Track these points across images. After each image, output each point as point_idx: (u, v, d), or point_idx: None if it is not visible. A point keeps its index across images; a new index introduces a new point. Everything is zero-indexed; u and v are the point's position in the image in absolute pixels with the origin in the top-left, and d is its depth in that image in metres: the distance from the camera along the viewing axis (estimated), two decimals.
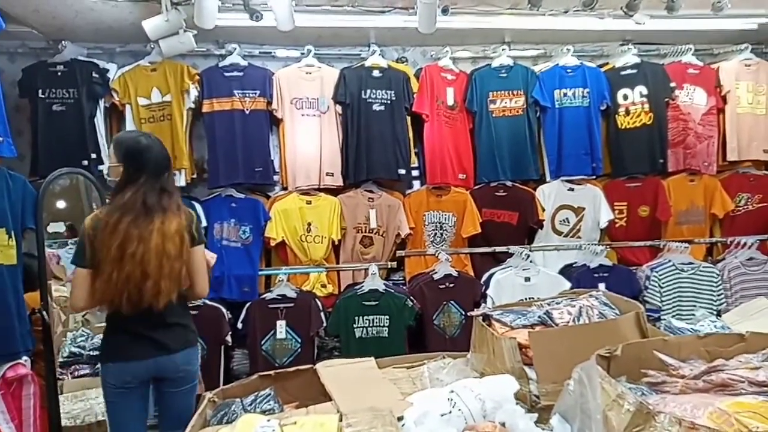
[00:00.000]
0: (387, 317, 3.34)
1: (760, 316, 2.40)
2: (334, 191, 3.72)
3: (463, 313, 3.43)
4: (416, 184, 3.91)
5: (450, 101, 3.76)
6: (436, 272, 3.49)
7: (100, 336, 3.06)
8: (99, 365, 2.16)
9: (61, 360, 3.10)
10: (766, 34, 4.03)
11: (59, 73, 3.44)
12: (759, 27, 3.78)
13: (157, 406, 2.20)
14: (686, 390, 1.27)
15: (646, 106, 3.83)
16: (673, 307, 3.51)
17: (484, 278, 3.58)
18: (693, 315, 2.85)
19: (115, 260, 1.96)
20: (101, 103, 3.53)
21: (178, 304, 2.10)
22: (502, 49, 3.86)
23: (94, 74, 3.46)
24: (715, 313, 3.34)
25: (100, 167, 3.49)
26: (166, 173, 2.12)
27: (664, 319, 2.71)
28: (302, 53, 3.72)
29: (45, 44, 3.55)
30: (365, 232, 3.70)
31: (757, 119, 3.96)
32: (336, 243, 3.67)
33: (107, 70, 3.52)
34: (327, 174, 3.65)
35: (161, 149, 2.15)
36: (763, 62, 4.02)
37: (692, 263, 3.58)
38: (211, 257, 2.31)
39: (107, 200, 2.17)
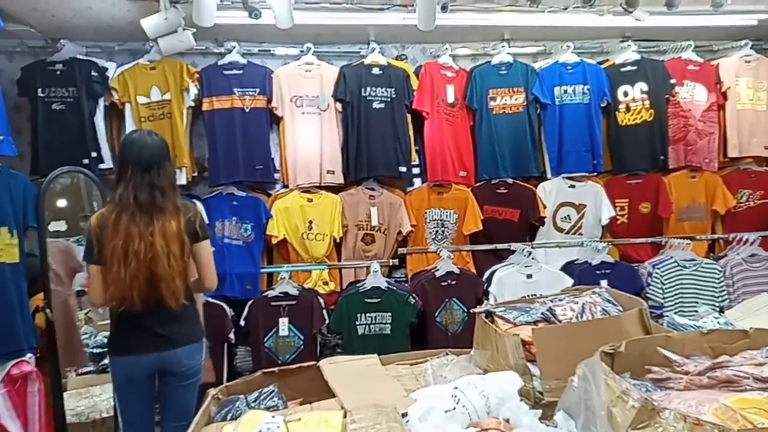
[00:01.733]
0: (389, 314, 3.35)
1: (763, 313, 2.40)
2: (335, 189, 3.71)
3: (466, 310, 3.43)
4: (417, 181, 3.90)
5: (450, 99, 3.75)
6: (437, 269, 3.49)
7: (104, 333, 3.14)
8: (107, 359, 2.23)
9: None
10: (766, 30, 4.03)
11: (58, 72, 3.43)
12: (759, 23, 3.78)
13: (160, 398, 2.23)
14: (690, 386, 1.27)
15: (647, 102, 3.82)
16: (676, 303, 3.51)
17: (486, 275, 3.58)
18: (695, 312, 2.84)
19: (120, 258, 1.98)
20: (101, 102, 3.52)
21: (186, 299, 2.14)
22: (502, 46, 3.85)
23: (93, 73, 3.45)
24: (717, 309, 3.33)
25: (101, 166, 3.48)
26: (157, 168, 2.07)
27: (667, 316, 2.70)
28: (301, 51, 3.72)
29: (43, 43, 3.54)
30: (367, 229, 3.70)
31: (757, 115, 3.95)
32: (337, 240, 3.66)
33: (106, 69, 3.52)
34: (328, 172, 3.65)
35: (153, 143, 2.11)
36: (763, 58, 4.02)
37: (694, 260, 3.58)
38: None
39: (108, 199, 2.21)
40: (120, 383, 2.15)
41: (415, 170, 3.85)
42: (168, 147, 2.21)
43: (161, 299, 2.04)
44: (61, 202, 3.80)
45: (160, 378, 2.18)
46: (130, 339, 2.10)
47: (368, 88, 3.63)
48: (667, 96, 3.87)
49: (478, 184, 3.80)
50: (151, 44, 3.45)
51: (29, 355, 2.35)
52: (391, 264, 3.71)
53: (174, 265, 2.04)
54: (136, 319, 2.07)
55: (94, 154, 3.46)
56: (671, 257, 3.58)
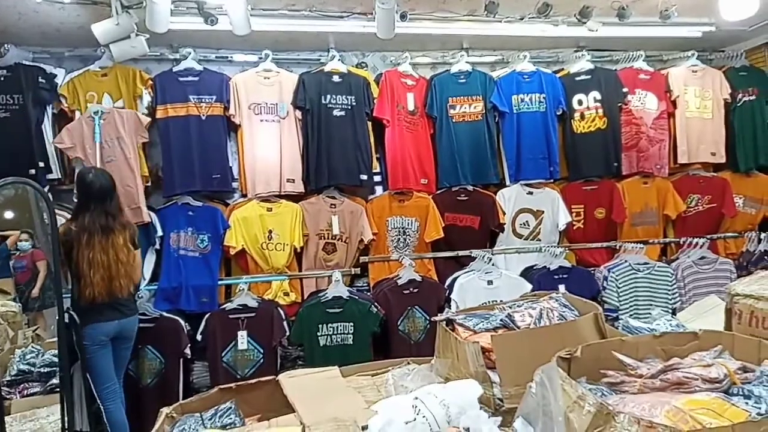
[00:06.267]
0: (351, 324, 3.31)
1: (712, 314, 2.48)
2: (295, 198, 3.67)
3: (428, 317, 3.43)
4: (378, 189, 3.91)
5: (410, 106, 3.77)
6: (400, 278, 3.48)
7: (52, 352, 3.02)
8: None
9: (8, 378, 2.97)
10: (710, 42, 4.22)
11: (2, 78, 3.30)
12: (703, 35, 3.95)
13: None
14: (644, 389, 1.29)
15: (600, 110, 3.93)
16: (630, 306, 3.60)
17: (447, 282, 3.60)
18: (649, 314, 2.92)
19: (95, 265, 2.76)
20: (49, 109, 3.40)
21: (132, 289, 2.97)
22: (461, 55, 3.90)
23: (40, 79, 3.33)
24: (670, 311, 3.45)
25: (49, 176, 3.35)
26: (109, 199, 2.85)
27: (622, 319, 2.75)
28: (260, 58, 3.67)
29: None
30: (328, 238, 3.66)
31: (704, 123, 4.12)
32: (298, 250, 3.62)
33: (54, 75, 3.39)
34: (288, 180, 3.60)
35: (106, 181, 2.86)
36: (708, 69, 4.20)
37: (647, 263, 3.68)
38: None
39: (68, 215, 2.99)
40: (95, 346, 2.79)
41: (377, 178, 3.85)
42: (113, 180, 2.92)
43: (116, 291, 2.82)
44: (8, 214, 3.65)
45: (112, 344, 2.87)
46: (101, 312, 2.81)
47: (328, 96, 3.61)
48: (619, 104, 3.99)
49: (438, 192, 3.83)
50: (102, 50, 3.35)
51: None
52: (353, 273, 3.69)
53: (121, 268, 2.83)
54: (104, 301, 2.81)
55: (41, 164, 3.34)
56: (625, 261, 3.68)
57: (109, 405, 2.84)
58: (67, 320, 2.88)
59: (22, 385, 3.00)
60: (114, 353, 2.91)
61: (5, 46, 3.30)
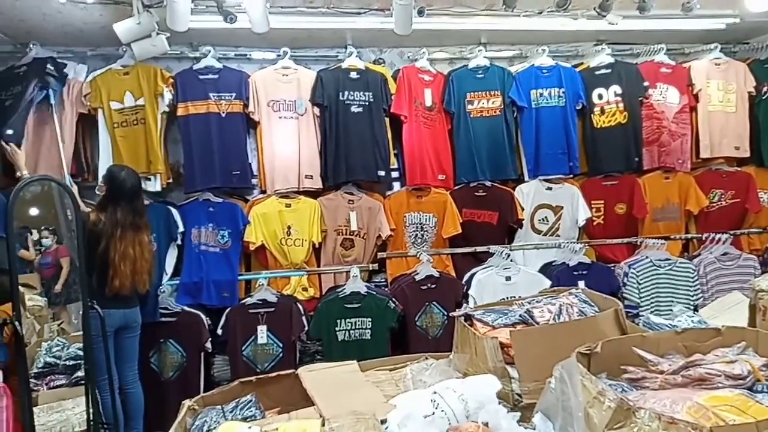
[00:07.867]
0: (369, 319, 3.33)
1: (735, 310, 2.44)
2: (313, 194, 3.69)
3: (446, 313, 3.43)
4: (396, 185, 3.91)
5: (428, 102, 3.76)
6: (417, 273, 3.48)
7: (77, 345, 3.06)
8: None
9: (35, 371, 3.02)
10: (734, 34, 4.12)
11: (21, 73, 3.33)
12: (727, 27, 3.86)
13: (116, 352, 3.00)
14: (665, 385, 1.28)
15: (621, 105, 3.88)
16: (651, 303, 3.56)
17: (465, 278, 3.59)
18: (671, 310, 2.88)
19: (122, 259, 2.89)
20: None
21: (149, 285, 3.09)
22: (479, 50, 3.88)
23: (48, 66, 3.32)
24: (692, 308, 3.39)
25: None
26: (137, 197, 3.01)
27: (643, 315, 2.73)
28: (278, 55, 3.70)
29: (12, 48, 3.46)
30: (346, 234, 3.68)
31: (727, 117, 4.04)
32: (316, 246, 3.64)
33: (65, 65, 3.40)
34: (306, 177, 3.62)
35: (134, 181, 3.01)
36: (732, 61, 4.11)
37: (669, 259, 3.63)
38: None
39: (90, 210, 3.02)
40: (100, 337, 2.83)
41: (394, 174, 3.85)
42: (140, 180, 3.10)
43: (138, 285, 2.96)
44: (33, 211, 3.72)
45: (117, 335, 2.97)
46: (113, 302, 2.91)
47: (346, 92, 3.62)
48: (640, 98, 3.93)
49: (456, 188, 3.82)
50: (124, 49, 3.40)
51: None
52: (370, 268, 3.70)
53: (144, 264, 2.98)
54: (127, 294, 2.96)
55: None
56: (646, 257, 3.63)
57: (105, 396, 2.90)
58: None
59: (48, 378, 3.06)
60: (120, 344, 3.00)
61: (30, 45, 3.37)
